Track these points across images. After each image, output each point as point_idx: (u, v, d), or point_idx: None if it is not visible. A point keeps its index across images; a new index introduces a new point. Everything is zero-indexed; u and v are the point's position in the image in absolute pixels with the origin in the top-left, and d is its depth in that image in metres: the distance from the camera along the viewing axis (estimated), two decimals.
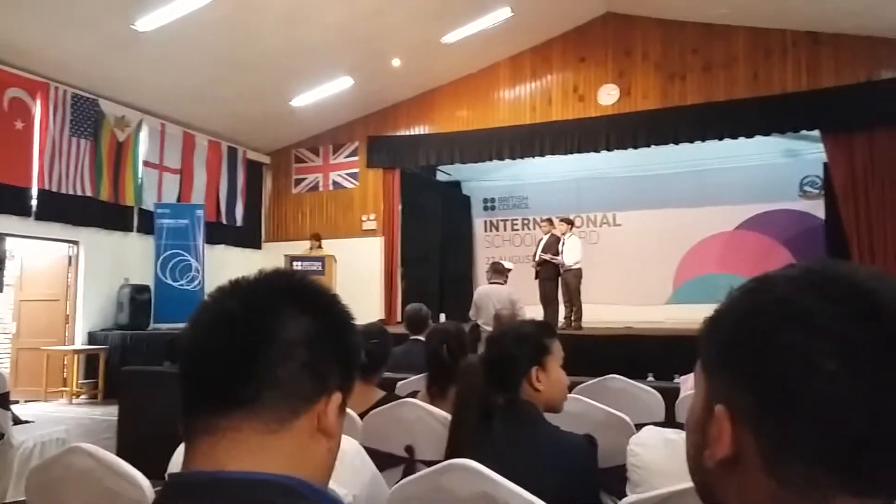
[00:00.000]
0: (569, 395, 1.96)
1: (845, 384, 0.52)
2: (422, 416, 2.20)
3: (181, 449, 0.73)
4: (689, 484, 0.67)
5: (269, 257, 11.16)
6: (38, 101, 7.93)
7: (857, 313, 0.54)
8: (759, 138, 9.38)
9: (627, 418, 2.31)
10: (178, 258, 9.34)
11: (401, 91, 10.93)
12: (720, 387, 0.60)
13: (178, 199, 10.02)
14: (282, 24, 8.10)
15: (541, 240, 9.11)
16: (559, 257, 8.69)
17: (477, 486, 1.36)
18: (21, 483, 3.38)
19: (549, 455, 1.63)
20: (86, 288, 8.76)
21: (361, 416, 2.30)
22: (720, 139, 9.36)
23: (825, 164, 9.56)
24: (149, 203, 9.50)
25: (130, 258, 9.28)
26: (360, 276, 10.40)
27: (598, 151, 10.06)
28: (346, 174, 11.65)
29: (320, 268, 9.42)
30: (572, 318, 8.72)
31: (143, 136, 9.48)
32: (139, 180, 9.38)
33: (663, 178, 11.55)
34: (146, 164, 9.53)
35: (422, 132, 11.17)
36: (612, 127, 9.76)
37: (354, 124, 11.55)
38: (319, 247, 10.20)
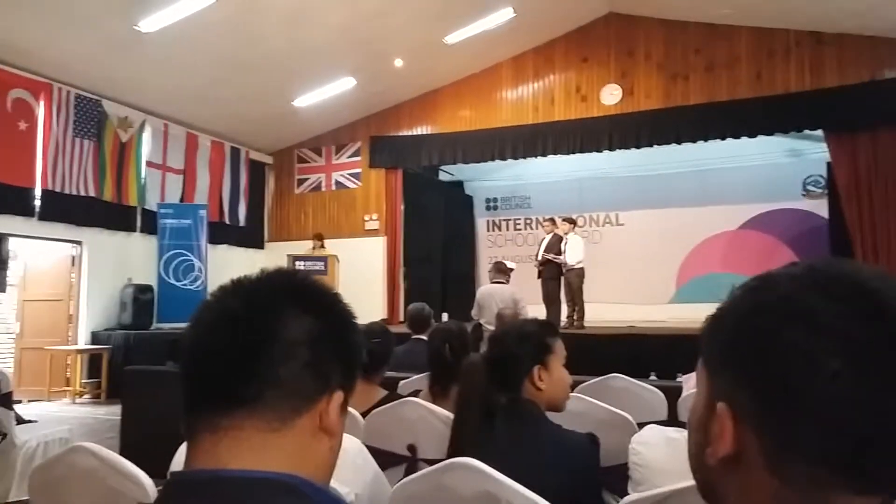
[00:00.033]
0: (571, 394, 1.96)
1: (848, 383, 0.52)
2: (424, 415, 2.20)
3: (184, 448, 0.73)
4: (691, 482, 0.67)
5: (271, 257, 11.17)
6: (42, 102, 7.95)
7: (861, 312, 0.53)
8: (762, 138, 9.37)
9: (630, 417, 2.31)
10: (181, 258, 9.36)
11: (403, 91, 10.94)
12: (722, 385, 0.60)
13: (181, 200, 10.05)
14: (284, 26, 8.11)
15: (543, 239, 9.10)
16: (562, 257, 8.69)
17: (479, 485, 1.36)
18: (24, 482, 3.38)
19: (552, 454, 1.63)
20: (89, 288, 8.78)
21: (364, 415, 2.30)
22: (723, 139, 9.35)
23: (828, 164, 9.55)
24: (152, 203, 9.52)
25: (134, 258, 9.30)
26: (363, 276, 10.41)
27: (601, 151, 10.06)
28: (349, 174, 11.66)
29: (323, 268, 9.45)
30: (575, 318, 8.72)
31: (147, 136, 9.50)
32: (142, 180, 9.40)
33: (666, 177, 11.54)
34: (149, 164, 9.56)
35: (424, 132, 11.18)
36: (614, 127, 9.75)
37: (357, 125, 11.56)
38: (322, 247, 10.22)
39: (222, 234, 10.71)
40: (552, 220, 9.18)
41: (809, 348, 0.53)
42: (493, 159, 10.70)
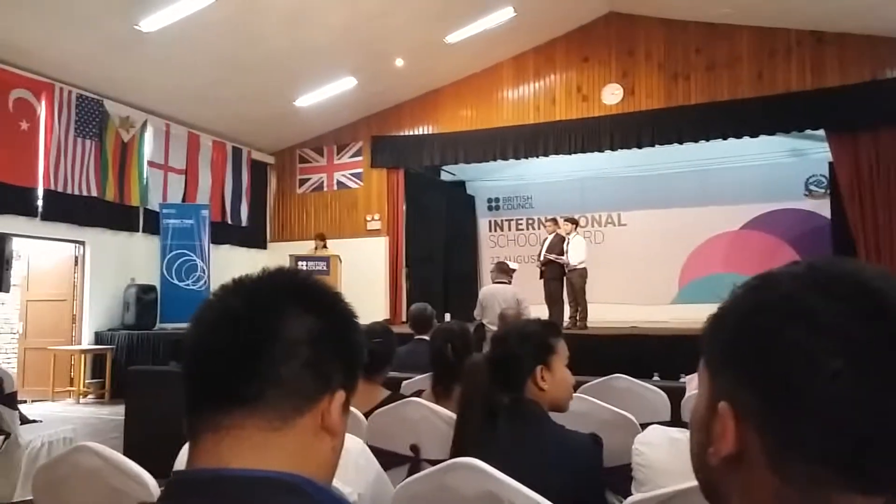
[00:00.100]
0: (574, 395, 1.96)
1: (849, 382, 0.52)
2: (427, 416, 2.21)
3: (187, 448, 0.73)
4: (693, 483, 0.67)
5: (274, 257, 11.18)
6: (43, 102, 7.96)
7: (862, 312, 0.53)
8: (763, 138, 9.36)
9: (633, 417, 2.31)
10: (183, 258, 9.37)
11: (404, 91, 10.94)
12: (724, 384, 0.60)
13: (184, 200, 10.06)
14: (285, 26, 8.11)
15: (545, 239, 9.10)
16: (564, 257, 8.68)
17: (482, 485, 1.36)
18: (28, 482, 3.39)
19: (555, 454, 1.63)
20: (92, 288, 8.79)
21: (366, 415, 2.30)
22: (724, 139, 9.35)
23: (830, 164, 9.53)
24: (154, 203, 9.53)
25: (136, 258, 9.31)
26: (365, 276, 10.41)
27: (602, 151, 10.05)
28: (351, 174, 11.66)
29: (325, 268, 9.45)
30: (577, 318, 8.70)
31: (148, 136, 9.51)
32: (144, 180, 9.41)
33: (668, 177, 11.53)
34: (151, 164, 9.57)
35: (425, 132, 11.18)
36: (615, 127, 9.75)
37: (358, 124, 11.57)
38: (324, 247, 10.23)
39: (224, 234, 10.72)
40: (554, 221, 9.17)
41: (810, 348, 0.53)
42: (494, 159, 10.70)
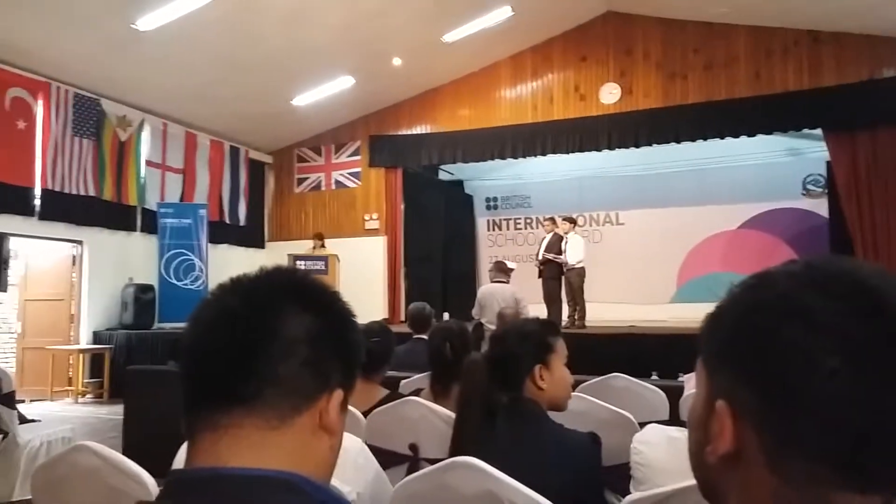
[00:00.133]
0: (572, 394, 1.96)
1: (846, 381, 0.52)
2: (425, 415, 2.21)
3: (185, 447, 0.73)
4: (692, 481, 0.67)
5: (272, 257, 11.17)
6: (40, 101, 7.95)
7: (859, 310, 0.53)
8: (761, 137, 9.37)
9: (631, 416, 2.31)
10: (181, 257, 9.36)
11: (402, 90, 10.93)
12: (721, 383, 0.60)
13: (181, 199, 10.05)
14: (283, 25, 8.11)
15: (544, 239, 9.11)
16: (562, 256, 8.69)
17: (481, 484, 1.36)
18: (27, 481, 3.40)
19: (553, 453, 1.63)
20: (90, 287, 8.78)
21: (365, 414, 2.30)
22: (722, 138, 9.35)
23: (828, 163, 9.55)
24: (152, 203, 9.52)
25: (134, 258, 9.30)
26: (364, 276, 10.41)
27: (600, 150, 10.06)
28: (349, 173, 11.66)
29: (323, 267, 9.45)
30: (576, 317, 8.72)
31: (146, 135, 9.50)
32: (142, 180, 9.40)
33: (665, 176, 11.54)
34: (149, 163, 9.56)
35: (423, 131, 11.18)
36: (613, 126, 9.76)
37: (356, 124, 11.56)
38: (322, 246, 10.23)
39: (222, 233, 10.71)
40: (552, 220, 9.18)
41: (808, 346, 0.53)
42: (492, 158, 10.71)
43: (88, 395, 8.33)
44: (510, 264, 7.58)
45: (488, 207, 13.65)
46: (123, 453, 1.48)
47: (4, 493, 3.55)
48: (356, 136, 11.61)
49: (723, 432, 0.58)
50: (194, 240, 9.52)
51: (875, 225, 8.49)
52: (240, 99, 9.63)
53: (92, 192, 8.55)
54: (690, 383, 3.11)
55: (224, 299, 0.75)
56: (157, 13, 7.22)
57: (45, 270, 8.82)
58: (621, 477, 1.81)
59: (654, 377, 4.50)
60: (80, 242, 8.70)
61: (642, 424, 1.98)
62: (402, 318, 10.15)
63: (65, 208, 8.26)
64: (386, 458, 1.98)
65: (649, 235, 11.71)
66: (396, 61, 9.79)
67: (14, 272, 8.32)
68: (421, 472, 1.56)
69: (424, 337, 4.07)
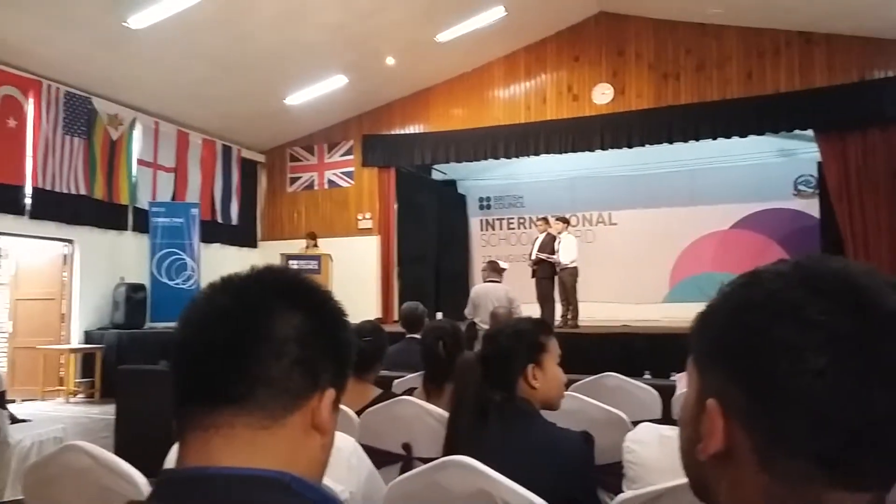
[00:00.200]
0: (565, 393, 1.97)
1: (835, 379, 0.52)
2: (419, 414, 2.21)
3: (177, 446, 0.73)
4: (684, 480, 0.67)
5: (264, 256, 11.13)
6: (31, 99, 7.89)
7: (848, 309, 0.54)
8: (752, 137, 9.41)
9: (624, 415, 2.32)
10: (173, 257, 9.32)
11: (395, 90, 10.93)
12: (712, 381, 0.61)
13: (173, 198, 10.00)
14: (275, 23, 8.08)
15: (537, 238, 9.12)
16: (555, 256, 8.70)
17: (474, 483, 1.37)
18: (18, 481, 3.38)
19: (546, 452, 1.63)
20: (81, 287, 8.73)
21: (358, 413, 2.30)
22: (714, 138, 9.40)
23: (819, 164, 9.60)
24: (143, 202, 9.47)
25: (126, 257, 9.25)
26: (357, 275, 10.39)
27: (593, 150, 10.08)
28: (342, 173, 11.64)
29: (316, 267, 9.43)
30: (569, 317, 8.73)
31: (137, 134, 9.45)
32: (133, 179, 9.36)
33: (658, 177, 11.57)
34: (140, 162, 9.51)
35: (416, 131, 11.17)
36: (606, 126, 9.78)
37: (349, 123, 11.55)
38: (315, 245, 10.21)
39: (215, 232, 10.67)
40: (545, 220, 9.19)
41: (797, 344, 0.54)
42: (485, 158, 10.72)
43: (80, 395, 8.28)
44: (503, 264, 7.60)
45: (481, 207, 13.65)
46: (115, 453, 1.48)
47: None
48: (349, 136, 11.60)
49: (713, 431, 0.59)
50: (186, 239, 9.48)
51: (865, 225, 8.54)
52: (232, 98, 9.60)
53: (83, 191, 8.50)
54: (682, 382, 3.12)
55: (215, 299, 0.74)
56: (149, 11, 7.18)
57: (35, 270, 8.77)
58: (614, 475, 1.81)
59: (647, 376, 4.50)
60: (71, 241, 8.65)
61: (635, 423, 1.99)
62: (395, 317, 10.13)
63: (56, 207, 8.21)
64: (379, 458, 1.98)
65: (642, 235, 11.75)
66: (390, 61, 9.78)
67: (4, 271, 8.28)
68: (414, 471, 1.56)
69: (417, 336, 4.07)
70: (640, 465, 1.63)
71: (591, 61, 10.07)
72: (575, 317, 8.74)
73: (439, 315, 9.20)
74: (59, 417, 6.43)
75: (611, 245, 11.96)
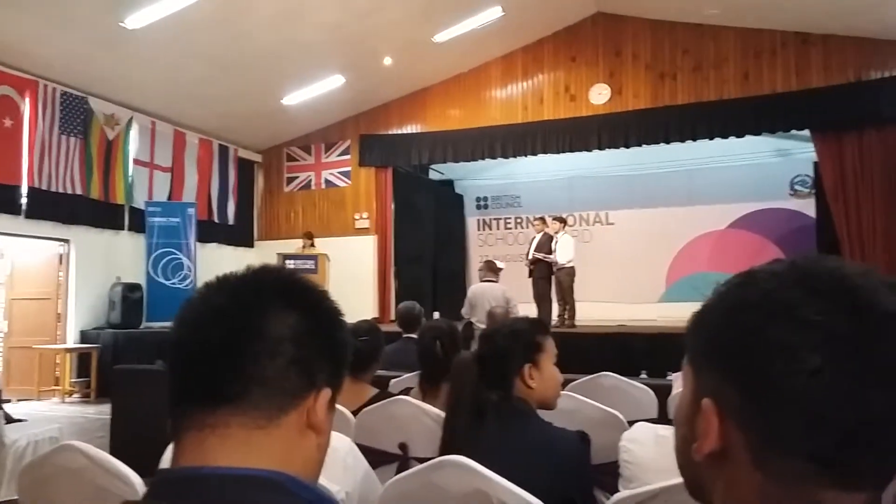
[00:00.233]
0: (562, 393, 1.97)
1: (830, 378, 0.52)
2: (415, 414, 2.21)
3: (172, 446, 0.73)
4: (679, 479, 0.67)
5: (261, 256, 11.12)
6: (27, 99, 7.88)
7: (843, 308, 0.54)
8: (749, 138, 9.44)
9: (620, 415, 2.32)
10: (169, 256, 9.31)
11: (393, 90, 10.92)
12: (707, 381, 0.61)
13: (169, 198, 9.98)
14: (273, 23, 8.07)
15: (534, 238, 9.12)
16: (552, 256, 8.71)
17: (470, 483, 1.37)
18: (14, 481, 3.37)
19: (543, 451, 1.63)
20: (77, 286, 8.71)
21: (354, 413, 2.30)
22: (711, 139, 9.41)
23: (815, 164, 9.62)
24: (139, 201, 9.46)
25: (122, 256, 9.24)
26: (354, 275, 10.39)
27: (590, 150, 10.10)
28: (339, 173, 11.63)
29: (313, 266, 9.42)
30: (566, 317, 8.74)
31: (134, 134, 9.43)
32: (130, 178, 9.34)
33: (655, 177, 11.59)
34: (136, 162, 9.49)
35: (414, 131, 11.17)
36: (603, 126, 9.79)
37: (346, 123, 11.54)
38: (312, 245, 10.21)
39: (211, 232, 10.66)
40: (542, 219, 9.19)
41: (792, 344, 0.54)
42: (482, 158, 10.72)
43: (75, 395, 8.27)
44: (500, 264, 7.60)
45: (478, 207, 13.65)
46: (111, 453, 1.47)
47: None
48: (346, 136, 11.59)
49: (709, 430, 0.59)
50: (182, 239, 9.47)
51: (861, 225, 8.57)
52: (229, 97, 9.58)
53: (79, 191, 8.49)
54: (679, 382, 3.12)
55: (211, 298, 0.74)
56: (146, 11, 7.16)
57: (31, 269, 8.75)
58: (610, 475, 1.81)
59: (643, 376, 4.51)
60: (67, 241, 8.63)
61: (631, 423, 1.99)
62: (392, 317, 10.14)
63: (52, 207, 8.19)
64: (375, 458, 1.98)
65: (639, 235, 11.77)
66: (387, 60, 9.78)
67: (0, 271, 8.25)
68: (410, 471, 1.56)
69: (414, 336, 4.07)
70: (637, 464, 1.63)
71: (588, 61, 10.08)
72: (572, 316, 8.75)
73: (436, 315, 9.20)
74: (55, 417, 6.42)
75: (608, 245, 11.98)
